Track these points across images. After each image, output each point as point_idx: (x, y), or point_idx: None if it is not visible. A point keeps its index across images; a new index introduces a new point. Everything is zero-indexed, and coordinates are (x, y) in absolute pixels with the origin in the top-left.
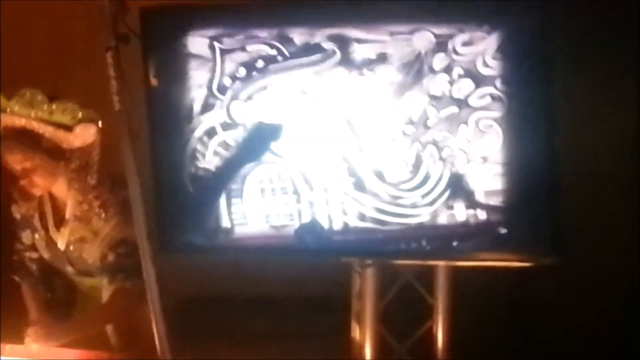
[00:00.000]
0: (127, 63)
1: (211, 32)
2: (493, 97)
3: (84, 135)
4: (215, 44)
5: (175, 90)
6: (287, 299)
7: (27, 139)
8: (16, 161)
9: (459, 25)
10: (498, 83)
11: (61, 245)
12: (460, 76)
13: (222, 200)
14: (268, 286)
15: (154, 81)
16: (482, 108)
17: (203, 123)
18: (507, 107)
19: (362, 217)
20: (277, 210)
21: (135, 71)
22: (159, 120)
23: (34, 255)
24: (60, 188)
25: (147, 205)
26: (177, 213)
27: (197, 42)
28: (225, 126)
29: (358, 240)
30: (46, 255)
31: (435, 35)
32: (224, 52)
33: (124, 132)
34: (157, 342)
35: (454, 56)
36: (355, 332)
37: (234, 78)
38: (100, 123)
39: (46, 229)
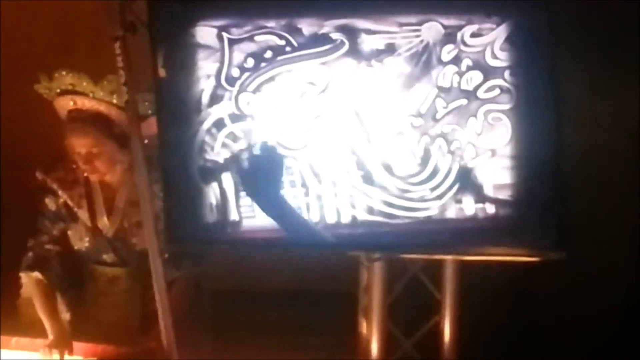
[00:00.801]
0: (135, 53)
1: (219, 22)
2: (502, 89)
3: (153, 126)
4: (224, 34)
5: (183, 81)
6: (294, 293)
7: (101, 124)
8: (85, 144)
9: (468, 16)
10: (507, 75)
11: (108, 232)
12: (469, 68)
13: (230, 193)
14: (275, 280)
15: (162, 72)
16: (491, 100)
17: (212, 114)
18: (515, 99)
19: (371, 211)
20: None
21: (144, 61)
22: (167, 111)
23: (57, 248)
24: (114, 175)
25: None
26: (184, 205)
27: (205, 32)
28: (234, 117)
29: (366, 234)
30: (83, 245)
31: (444, 27)
32: (232, 42)
33: (133, 123)
34: (163, 336)
35: (463, 47)
36: (363, 327)
37: (242, 69)
38: None
39: (93, 217)
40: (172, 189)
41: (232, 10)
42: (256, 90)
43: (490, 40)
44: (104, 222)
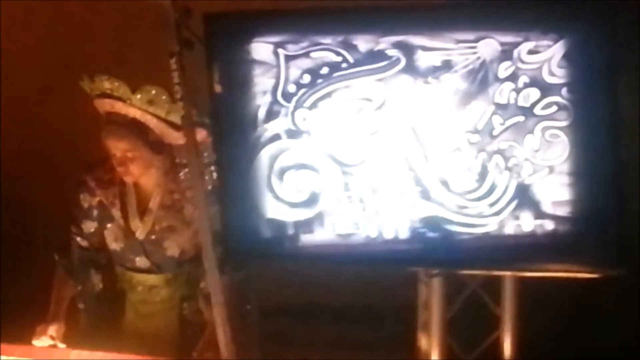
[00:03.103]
0: (191, 70)
1: (275, 38)
2: (559, 105)
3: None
4: (280, 50)
5: (239, 97)
6: (352, 308)
7: (137, 130)
8: (120, 148)
9: (525, 33)
10: (564, 91)
11: (140, 234)
12: (526, 85)
13: (286, 208)
14: (333, 295)
15: (217, 88)
16: (549, 117)
17: (268, 130)
18: (573, 116)
19: (429, 227)
20: (343, 219)
21: (200, 78)
22: (223, 127)
23: (84, 243)
24: (149, 178)
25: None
26: (242, 220)
27: (261, 49)
28: (290, 134)
29: (424, 250)
30: (118, 246)
31: (501, 44)
32: (288, 58)
33: (189, 138)
34: (221, 350)
35: (520, 64)
36: (422, 342)
37: (298, 85)
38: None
39: (126, 218)
40: (229, 204)
41: (288, 27)
42: (312, 106)
43: (548, 57)
44: (136, 223)
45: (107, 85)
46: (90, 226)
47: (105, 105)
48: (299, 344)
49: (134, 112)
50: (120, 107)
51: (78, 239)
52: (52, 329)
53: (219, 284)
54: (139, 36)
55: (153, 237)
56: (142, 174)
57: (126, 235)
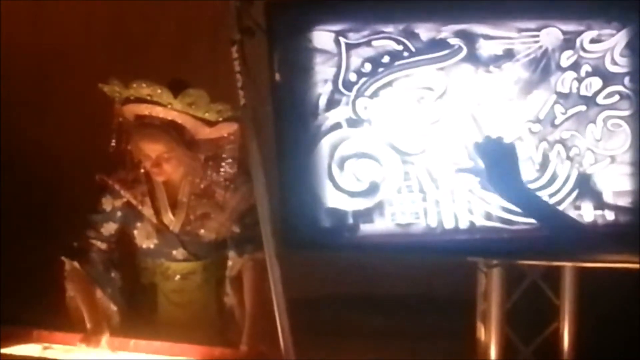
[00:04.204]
0: (252, 58)
1: (337, 26)
2: (621, 95)
3: (221, 129)
4: (341, 38)
5: (300, 85)
6: (412, 298)
7: (173, 131)
8: (156, 150)
9: (588, 22)
10: (627, 81)
11: (175, 227)
12: (588, 74)
13: (346, 197)
14: (393, 285)
15: (278, 76)
16: (611, 106)
17: (329, 119)
18: (635, 105)
19: (489, 216)
20: (403, 208)
21: (261, 66)
22: (284, 116)
23: (103, 246)
24: (178, 173)
25: (272, 202)
26: (302, 209)
27: (322, 37)
28: (351, 122)
29: (484, 240)
30: (151, 243)
31: (563, 32)
32: (349, 46)
33: (249, 127)
34: (281, 340)
35: (582, 53)
36: (481, 333)
37: (359, 73)
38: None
39: (158, 214)
40: (289, 193)
41: (349, 15)
42: (373, 95)
43: (610, 46)
44: (169, 217)
45: (146, 91)
46: (111, 228)
47: (141, 110)
48: (356, 333)
49: (173, 115)
50: (158, 111)
51: (98, 243)
52: (104, 340)
53: (278, 273)
54: (201, 27)
55: (188, 227)
56: (175, 171)
57: (160, 231)
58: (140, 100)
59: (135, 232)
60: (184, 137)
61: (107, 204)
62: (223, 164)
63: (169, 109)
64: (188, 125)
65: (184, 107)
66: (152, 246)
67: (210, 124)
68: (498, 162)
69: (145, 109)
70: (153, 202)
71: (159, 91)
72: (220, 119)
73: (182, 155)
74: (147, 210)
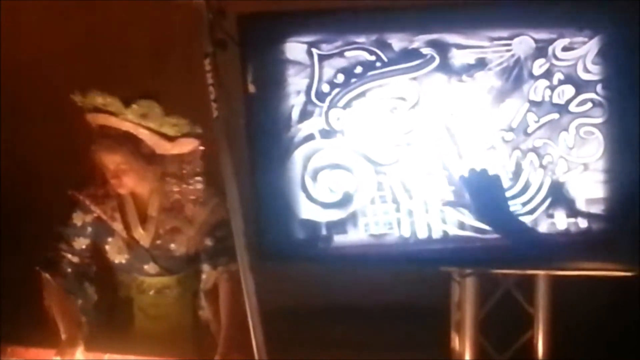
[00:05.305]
0: (225, 70)
1: (309, 38)
2: (594, 102)
3: (182, 145)
4: (313, 50)
5: (273, 97)
6: (386, 308)
7: (129, 143)
8: (113, 162)
9: (560, 30)
10: (599, 88)
11: (145, 242)
12: (560, 82)
13: (319, 208)
14: (367, 295)
15: (251, 88)
16: (583, 114)
17: (302, 130)
18: (608, 112)
19: (462, 226)
20: (377, 219)
21: (233, 78)
22: (257, 128)
23: (75, 259)
24: (143, 187)
25: (245, 214)
26: (275, 221)
27: (294, 48)
28: (324, 133)
29: (457, 249)
30: (123, 258)
31: (535, 41)
32: (322, 58)
33: (222, 139)
34: (255, 352)
35: (554, 61)
36: (455, 342)
37: (332, 84)
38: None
39: (128, 229)
40: (262, 205)
41: (321, 26)
42: (346, 105)
43: (582, 53)
44: (139, 232)
45: (99, 100)
46: (82, 243)
47: (98, 119)
48: (329, 344)
49: (127, 126)
50: (113, 122)
51: (69, 255)
52: (78, 352)
53: (252, 285)
54: (175, 39)
55: (159, 242)
56: (136, 185)
57: (130, 246)
58: (97, 109)
59: (107, 247)
60: (142, 150)
61: (78, 219)
62: (190, 180)
63: (121, 119)
64: (145, 138)
65: (137, 118)
66: (123, 261)
67: (169, 138)
68: (483, 194)
69: (102, 119)
70: (123, 217)
71: (109, 100)
72: (179, 134)
73: (140, 167)
74: (118, 225)
